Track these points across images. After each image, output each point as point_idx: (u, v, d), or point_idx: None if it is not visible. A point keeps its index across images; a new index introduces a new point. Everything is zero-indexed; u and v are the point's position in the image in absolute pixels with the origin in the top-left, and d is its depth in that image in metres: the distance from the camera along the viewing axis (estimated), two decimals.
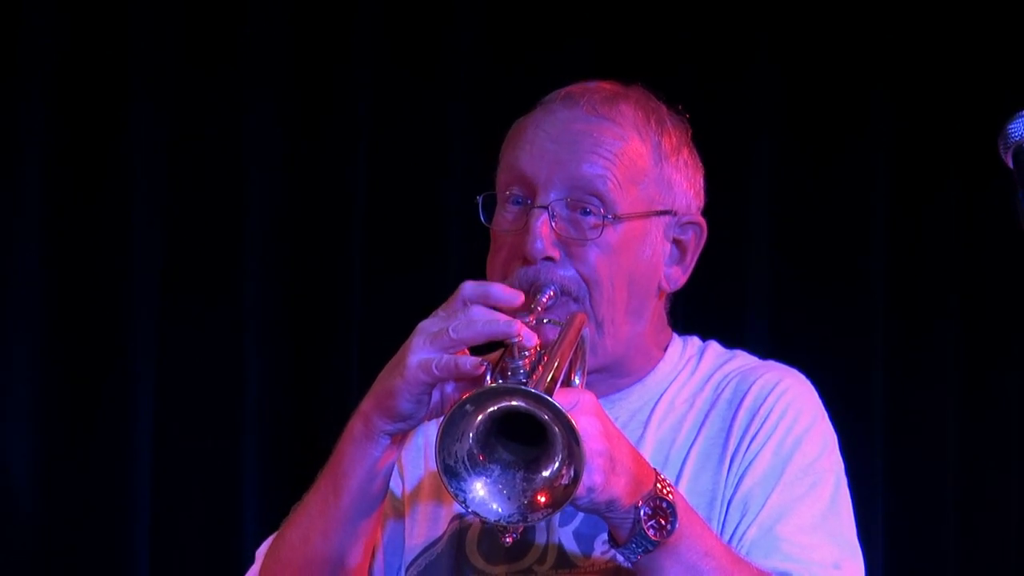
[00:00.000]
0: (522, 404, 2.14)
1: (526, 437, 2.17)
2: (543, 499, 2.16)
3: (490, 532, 2.49)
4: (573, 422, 2.11)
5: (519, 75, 4.10)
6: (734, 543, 2.44)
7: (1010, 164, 2.09)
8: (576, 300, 2.49)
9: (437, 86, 4.15)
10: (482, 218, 2.57)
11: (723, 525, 2.46)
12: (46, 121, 3.96)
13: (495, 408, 2.16)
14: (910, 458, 4.31)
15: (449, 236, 4.09)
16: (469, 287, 2.35)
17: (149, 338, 3.99)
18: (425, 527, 2.57)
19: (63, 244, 3.97)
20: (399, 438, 2.37)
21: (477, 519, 2.43)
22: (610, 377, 2.56)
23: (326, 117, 4.10)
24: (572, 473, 2.13)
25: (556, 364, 2.25)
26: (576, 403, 2.21)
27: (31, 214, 3.95)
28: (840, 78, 4.30)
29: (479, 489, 2.17)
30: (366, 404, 2.37)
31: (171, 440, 3.98)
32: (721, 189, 4.15)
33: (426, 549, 2.56)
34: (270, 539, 2.56)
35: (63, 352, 3.96)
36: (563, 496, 2.14)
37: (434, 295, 3.99)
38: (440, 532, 2.55)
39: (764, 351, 4.15)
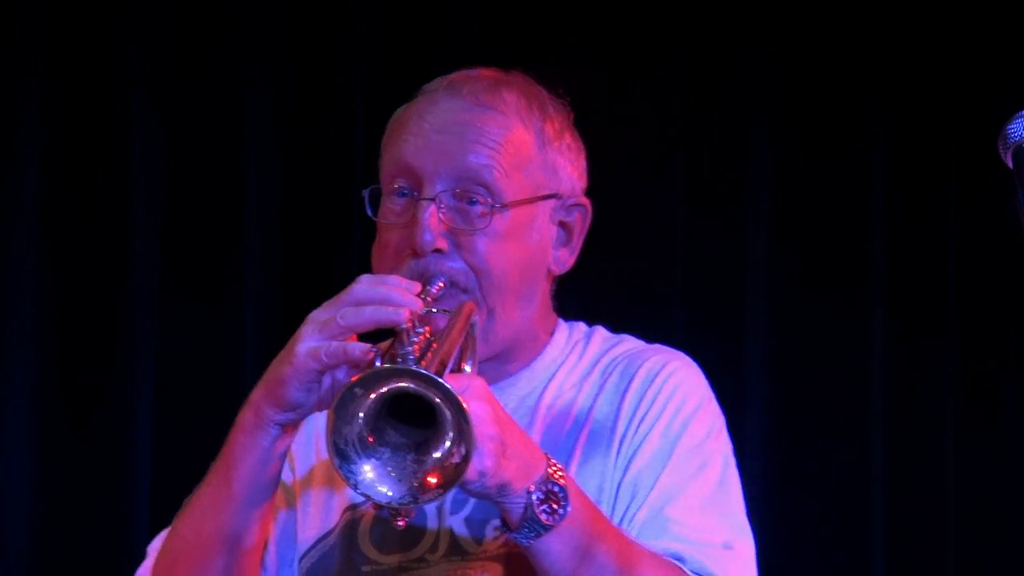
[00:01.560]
0: (412, 385, 2.16)
1: (416, 419, 2.19)
2: (434, 480, 2.17)
3: (383, 522, 2.51)
4: (462, 401, 2.13)
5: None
6: (625, 526, 2.46)
7: (1010, 164, 2.09)
8: (466, 291, 2.50)
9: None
10: (368, 212, 2.58)
11: (614, 508, 2.48)
12: (42, 118, 3.95)
13: (385, 390, 2.17)
14: (910, 457, 4.32)
15: None
16: (365, 279, 2.36)
17: (149, 338, 3.98)
18: (318, 519, 2.57)
19: (62, 243, 3.96)
20: (290, 428, 2.37)
21: (369, 509, 2.50)
22: (499, 364, 2.57)
23: (324, 117, 4.09)
24: (463, 452, 2.15)
25: (445, 349, 2.26)
26: (466, 388, 2.22)
27: (29, 213, 3.94)
28: (839, 79, 4.30)
29: (369, 471, 2.18)
30: (256, 394, 2.37)
31: (171, 440, 3.97)
32: (719, 192, 4.18)
33: (319, 541, 2.56)
34: (162, 534, 2.57)
35: (62, 352, 3.95)
36: (454, 475, 2.16)
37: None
38: (332, 524, 2.56)
39: (763, 352, 4.23)
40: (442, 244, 2.49)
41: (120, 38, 4.00)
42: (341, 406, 2.16)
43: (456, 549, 2.49)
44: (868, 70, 4.32)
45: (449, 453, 2.16)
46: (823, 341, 4.27)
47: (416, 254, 2.49)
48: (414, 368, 2.16)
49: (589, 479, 2.48)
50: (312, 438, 2.60)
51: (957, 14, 4.31)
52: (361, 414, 2.17)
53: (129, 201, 3.99)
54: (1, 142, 3.96)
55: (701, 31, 4.27)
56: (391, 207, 2.55)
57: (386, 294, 2.32)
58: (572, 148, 2.63)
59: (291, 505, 2.58)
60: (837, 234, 4.29)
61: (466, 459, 2.14)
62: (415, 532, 2.50)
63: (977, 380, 4.35)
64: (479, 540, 2.48)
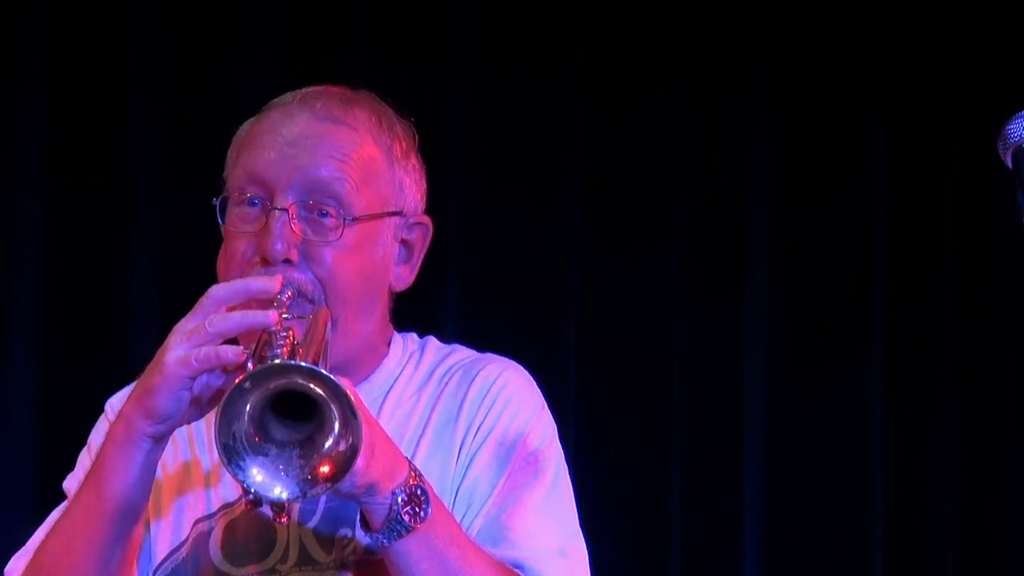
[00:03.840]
0: (299, 380, 2.19)
1: (299, 415, 2.22)
2: (325, 469, 2.21)
3: (233, 533, 2.52)
4: (349, 393, 2.19)
5: (516, 78, 4.14)
6: None
7: (1009, 164, 2.12)
8: (311, 302, 2.52)
9: (436, 86, 4.16)
10: (219, 220, 2.58)
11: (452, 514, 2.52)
12: (42, 118, 3.92)
13: (272, 386, 2.19)
14: (909, 458, 4.31)
15: (448, 237, 4.09)
16: (218, 286, 2.38)
17: (149, 339, 3.97)
18: (168, 532, 2.57)
19: (63, 243, 3.93)
20: (160, 440, 2.37)
21: (219, 521, 2.52)
22: (341, 375, 2.56)
23: None
24: (349, 441, 2.19)
25: (314, 351, 2.30)
26: None
27: (29, 212, 3.91)
28: (837, 80, 4.33)
29: (258, 471, 2.20)
30: (126, 407, 2.36)
31: None
32: (720, 197, 4.18)
33: (170, 555, 2.55)
34: (18, 553, 2.54)
35: (62, 351, 3.91)
36: (345, 464, 2.20)
37: (434, 295, 4.05)
38: (183, 537, 2.55)
39: (763, 355, 4.22)
40: (293, 255, 2.51)
41: (120, 38, 4.00)
42: (229, 404, 2.18)
43: (307, 559, 2.51)
44: (867, 68, 4.33)
45: (336, 443, 2.20)
46: (823, 343, 4.28)
47: (265, 263, 2.51)
48: (301, 363, 2.20)
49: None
50: (163, 453, 2.55)
51: (956, 15, 4.31)
52: (247, 412, 2.20)
53: (130, 201, 3.98)
54: (1, 142, 3.94)
55: (700, 40, 4.29)
56: (240, 215, 2.56)
57: (242, 285, 2.37)
58: (417, 168, 2.67)
59: (145, 521, 2.55)
60: (838, 241, 4.31)
61: (354, 448, 2.19)
62: (266, 543, 2.51)
63: (977, 381, 4.35)
64: (329, 549, 2.50)
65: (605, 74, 4.29)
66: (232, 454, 2.19)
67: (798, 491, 4.31)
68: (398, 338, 2.70)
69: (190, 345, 2.31)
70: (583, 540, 2.58)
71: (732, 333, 4.34)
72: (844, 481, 4.35)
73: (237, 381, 2.19)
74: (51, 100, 3.98)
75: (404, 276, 2.66)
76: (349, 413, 2.18)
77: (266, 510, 2.34)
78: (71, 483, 2.64)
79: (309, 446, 2.21)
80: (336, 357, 2.52)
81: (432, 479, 2.48)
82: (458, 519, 2.49)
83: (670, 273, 4.30)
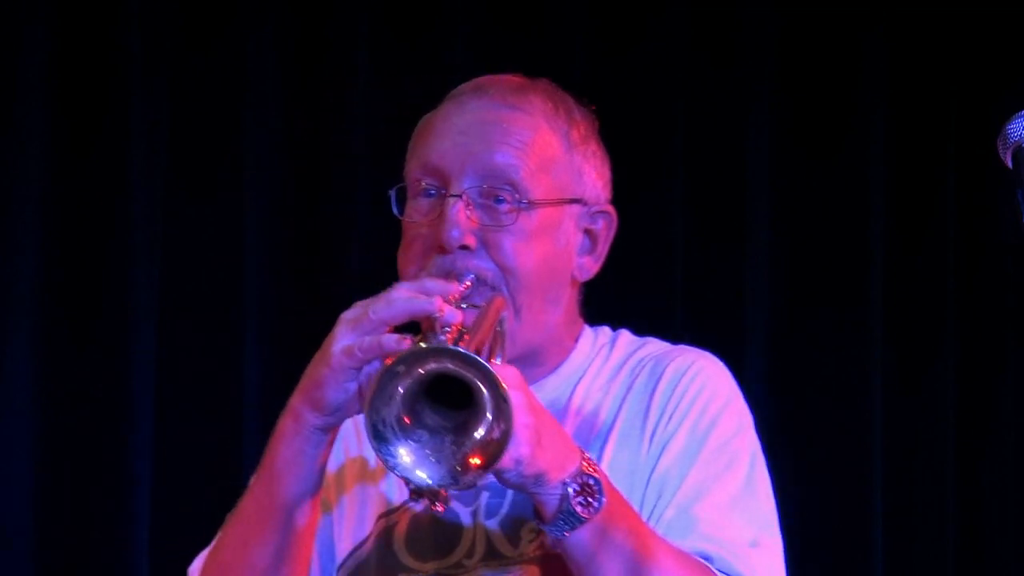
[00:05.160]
0: (451, 365, 2.15)
1: (453, 402, 2.18)
2: (475, 460, 2.17)
3: (418, 528, 2.49)
4: (500, 380, 2.13)
5: (519, 71, 4.10)
6: (652, 524, 2.44)
7: (1009, 164, 2.09)
8: (493, 289, 2.48)
9: (439, 87, 4.13)
10: (395, 211, 2.56)
11: (642, 505, 2.47)
12: (43, 109, 3.94)
13: (424, 370, 2.16)
14: (909, 457, 4.31)
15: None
16: (403, 284, 2.35)
17: (149, 339, 3.98)
18: (352, 528, 2.55)
19: (63, 243, 3.95)
20: (328, 432, 2.35)
21: (404, 515, 2.49)
22: (525, 367, 2.52)
23: (325, 122, 4.09)
24: (502, 428, 2.14)
25: (478, 339, 2.25)
26: (501, 375, 2.21)
27: (31, 209, 3.93)
28: (838, 71, 4.30)
29: (407, 454, 2.17)
30: (294, 399, 2.35)
31: (171, 441, 3.97)
32: (721, 188, 4.17)
33: (354, 550, 2.54)
34: (202, 555, 2.55)
35: (62, 351, 3.93)
36: (495, 453, 2.15)
37: None
38: (366, 532, 2.54)
39: (763, 348, 4.21)
40: (470, 240, 2.47)
41: (122, 10, 4.00)
42: (380, 387, 2.15)
43: (493, 553, 2.48)
44: (868, 66, 4.30)
45: (489, 432, 2.16)
46: (823, 339, 4.27)
47: (442, 251, 2.48)
48: (453, 348, 2.15)
49: (621, 478, 2.46)
50: (340, 445, 2.56)
51: (957, 10, 4.27)
52: (399, 395, 2.16)
53: (130, 201, 3.98)
54: (3, 127, 3.95)
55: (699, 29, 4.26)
56: (417, 207, 2.54)
57: (417, 285, 2.32)
58: (597, 155, 2.62)
59: (327, 511, 2.56)
60: (837, 233, 4.30)
61: (506, 436, 2.14)
62: (451, 538, 2.49)
63: (976, 378, 4.34)
64: (515, 543, 2.47)
65: (605, 23, 4.26)
66: (380, 437, 2.16)
67: (799, 445, 4.30)
68: (588, 332, 2.66)
69: (355, 335, 2.28)
70: (779, 533, 2.50)
71: (732, 285, 4.32)
72: (844, 438, 4.34)
73: (388, 363, 2.15)
74: (52, 86, 3.97)
75: (588, 267, 2.61)
76: (501, 400, 2.13)
77: (417, 506, 2.34)
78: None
79: (462, 433, 2.17)
80: (519, 347, 2.50)
81: (621, 471, 2.46)
82: (648, 510, 2.45)
83: (670, 224, 4.28)
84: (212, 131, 4.03)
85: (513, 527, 2.47)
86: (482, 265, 2.48)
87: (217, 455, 3.97)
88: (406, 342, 2.23)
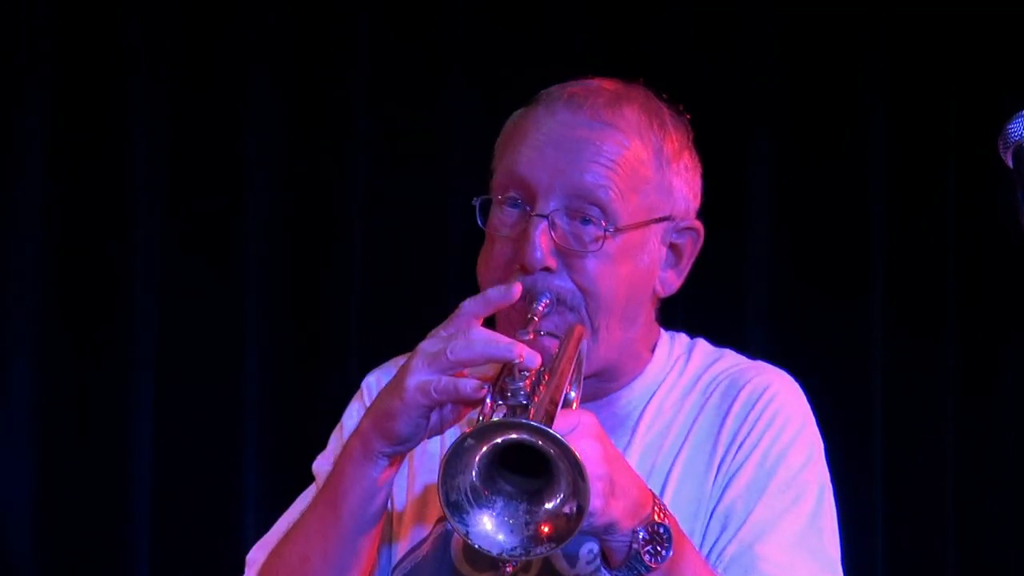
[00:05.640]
0: (525, 437, 2.12)
1: (529, 467, 2.15)
2: (547, 530, 2.15)
3: None
4: (579, 457, 2.09)
5: (519, 71, 4.10)
6: (713, 557, 2.43)
7: (1010, 164, 2.08)
8: (571, 309, 2.46)
9: (438, 85, 4.14)
10: (479, 222, 2.53)
11: (704, 536, 2.45)
12: (43, 113, 3.96)
13: (498, 441, 2.14)
14: (909, 456, 4.31)
15: (449, 236, 4.07)
16: (468, 303, 2.33)
17: (149, 340, 3.98)
18: (411, 527, 2.55)
19: (63, 244, 3.97)
20: (397, 459, 2.36)
21: None
22: (599, 382, 2.54)
23: (325, 122, 4.09)
24: (576, 506, 2.12)
25: (555, 384, 2.22)
26: (576, 426, 2.19)
27: (31, 214, 3.95)
28: (838, 68, 4.29)
29: (482, 523, 2.16)
30: (364, 424, 2.35)
31: (171, 442, 3.97)
32: (719, 187, 4.16)
33: (411, 551, 2.54)
34: (258, 546, 2.56)
35: (62, 352, 3.96)
36: (567, 530, 2.13)
37: (434, 295, 4.04)
38: (425, 533, 2.54)
39: (764, 345, 4.21)
40: (551, 263, 2.45)
41: (122, 10, 4.00)
42: (453, 458, 2.13)
43: (549, 570, 2.46)
44: (868, 66, 4.29)
45: (562, 506, 2.14)
46: (823, 335, 4.26)
47: (524, 270, 2.46)
48: (528, 422, 2.12)
49: (685, 504, 2.45)
50: (407, 464, 2.56)
51: (957, 10, 4.26)
52: (473, 465, 2.15)
53: (131, 202, 4.00)
54: (3, 132, 3.96)
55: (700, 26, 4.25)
56: (502, 218, 2.51)
57: (482, 300, 2.31)
58: (689, 168, 2.59)
59: (389, 508, 2.55)
60: (837, 229, 4.28)
61: (579, 514, 2.11)
62: None
63: (979, 375, 4.33)
64: (573, 563, 2.46)
65: (605, 23, 4.25)
66: (455, 507, 2.15)
67: None
68: (664, 340, 2.62)
69: (431, 372, 2.26)
70: (840, 570, 2.49)
71: (733, 286, 4.32)
72: (845, 438, 4.33)
73: (461, 436, 2.13)
74: (53, 89, 3.97)
75: (671, 281, 2.58)
76: (578, 476, 2.10)
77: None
78: (321, 464, 2.62)
79: (537, 500, 2.16)
80: (594, 365, 2.48)
81: (688, 496, 2.45)
82: (711, 541, 2.43)
83: None
84: (212, 131, 4.03)
85: (573, 545, 2.44)
86: (563, 286, 2.45)
87: (216, 458, 3.97)
88: (483, 391, 2.22)
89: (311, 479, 2.65)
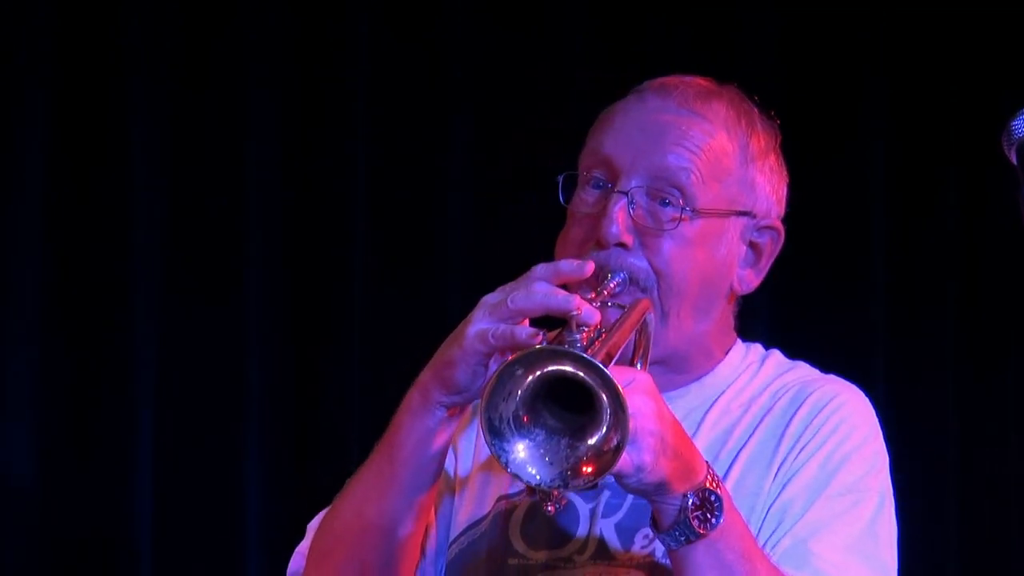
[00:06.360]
0: (571, 368, 2.12)
1: (575, 404, 2.15)
2: (588, 468, 2.13)
3: (535, 516, 2.47)
4: (620, 389, 2.09)
5: (519, 71, 4.11)
6: (766, 550, 2.41)
7: (1014, 160, 2.08)
8: (644, 290, 2.46)
9: (438, 85, 4.14)
10: (560, 198, 2.54)
11: (760, 530, 2.44)
12: (44, 113, 3.95)
13: (545, 371, 2.13)
14: (910, 456, 4.30)
15: (450, 236, 4.08)
16: (540, 266, 2.32)
17: (150, 341, 3.97)
18: (471, 504, 2.54)
19: (64, 246, 3.95)
20: (455, 411, 2.35)
21: (523, 501, 2.47)
22: (667, 372, 2.53)
23: (325, 122, 4.08)
24: (618, 439, 2.11)
25: (613, 341, 2.22)
26: (632, 380, 2.19)
27: (32, 214, 3.93)
28: (838, 68, 4.29)
29: (521, 451, 2.15)
30: (424, 375, 2.34)
31: (171, 443, 3.97)
32: None
33: (470, 527, 2.52)
34: (321, 514, 2.52)
35: (64, 356, 3.94)
36: (608, 463, 2.11)
37: (435, 296, 4.05)
38: (485, 511, 2.52)
39: (764, 338, 4.20)
40: (627, 239, 2.46)
41: (122, 10, 3.99)
42: (499, 383, 2.13)
43: (603, 553, 2.45)
44: (868, 60, 4.30)
45: (605, 440, 2.12)
46: (823, 331, 4.25)
47: (599, 245, 2.47)
48: (574, 351, 2.13)
49: (743, 499, 2.43)
50: (475, 427, 2.55)
51: (957, 9, 4.26)
52: (519, 393, 2.14)
53: (132, 202, 3.98)
54: (3, 133, 3.95)
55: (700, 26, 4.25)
56: (584, 197, 2.53)
57: (552, 268, 2.30)
58: (775, 170, 2.61)
59: (452, 492, 2.55)
60: (838, 226, 4.28)
61: (619, 448, 2.10)
62: (566, 531, 2.47)
63: (979, 372, 4.33)
64: (627, 547, 2.45)
65: (605, 23, 4.25)
66: (495, 432, 2.13)
67: None
68: (740, 347, 2.63)
69: (491, 320, 2.27)
70: None
71: None
72: None
73: (508, 360, 2.14)
74: (53, 91, 3.97)
75: (748, 280, 2.58)
76: (620, 410, 2.09)
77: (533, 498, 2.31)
78: None
79: (578, 437, 2.14)
80: (661, 351, 2.48)
81: (748, 490, 2.44)
82: (765, 536, 2.41)
83: None
84: (212, 131, 4.03)
85: (628, 531, 2.45)
86: (636, 264, 2.46)
87: (217, 458, 3.97)
88: (538, 338, 2.22)
89: (312, 478, 2.65)
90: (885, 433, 4.21)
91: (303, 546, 2.52)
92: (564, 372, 2.12)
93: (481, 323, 2.28)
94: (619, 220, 2.45)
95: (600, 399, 2.11)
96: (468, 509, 2.53)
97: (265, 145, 4.05)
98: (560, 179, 2.54)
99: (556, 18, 4.19)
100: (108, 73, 3.98)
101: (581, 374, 2.11)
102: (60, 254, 3.96)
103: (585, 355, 2.11)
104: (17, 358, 3.93)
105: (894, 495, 4.11)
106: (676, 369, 2.55)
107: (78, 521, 3.92)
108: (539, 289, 2.28)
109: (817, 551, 2.40)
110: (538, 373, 2.13)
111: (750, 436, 2.50)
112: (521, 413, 2.15)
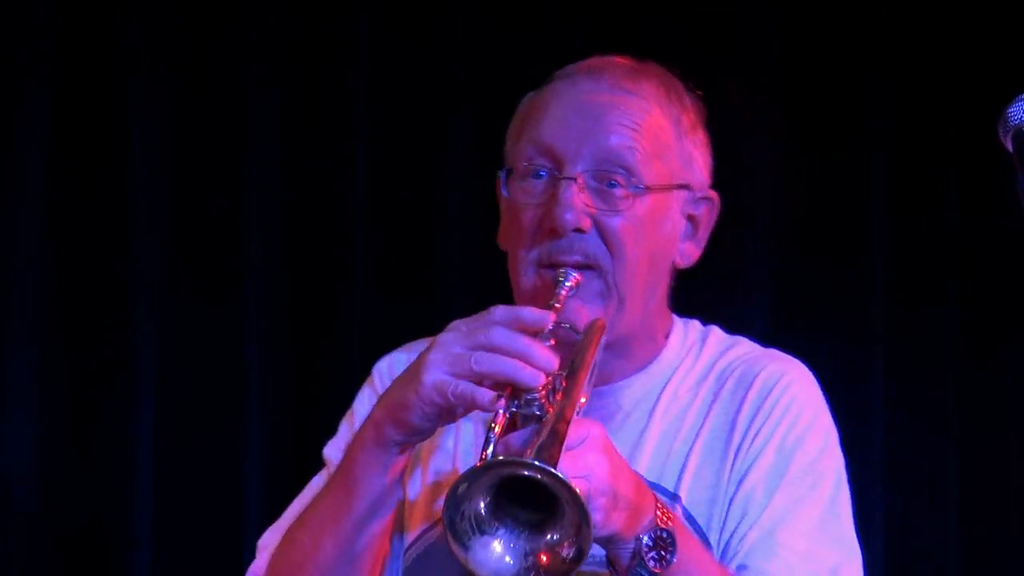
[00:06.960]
0: (536, 476, 2.12)
1: (535, 497, 2.15)
2: (545, 561, 2.15)
3: None
4: (587, 507, 2.10)
5: (519, 71, 4.07)
6: (734, 544, 2.44)
7: (1010, 148, 2.08)
8: (600, 274, 2.46)
9: (438, 85, 4.14)
10: (504, 192, 2.54)
11: (724, 522, 2.46)
12: (44, 113, 3.94)
13: (506, 473, 2.14)
14: (911, 449, 4.30)
15: (450, 235, 4.07)
16: (500, 311, 2.32)
17: (150, 342, 3.97)
18: (423, 509, 2.55)
19: (64, 246, 3.95)
20: (409, 447, 2.37)
21: None
22: (616, 359, 2.53)
23: (325, 122, 4.08)
24: (575, 550, 2.13)
25: (571, 398, 2.23)
26: (585, 438, 2.20)
27: (32, 215, 3.93)
28: (839, 68, 4.28)
29: (483, 549, 2.17)
30: (378, 412, 2.36)
31: (171, 443, 3.97)
32: (718, 187, 4.16)
33: (423, 533, 2.54)
34: (270, 531, 2.55)
35: (64, 356, 3.94)
36: (563, 569, 2.14)
37: (434, 296, 4.04)
38: (438, 515, 2.50)
39: (764, 337, 4.20)
40: (584, 223, 2.46)
41: (121, 22, 3.99)
42: (461, 484, 2.14)
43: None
44: (868, 59, 4.29)
45: (561, 543, 2.15)
46: (824, 328, 4.25)
47: (554, 233, 2.46)
48: (539, 464, 2.10)
49: (703, 492, 2.46)
50: (424, 445, 2.54)
51: (958, 8, 4.26)
52: (480, 493, 2.15)
53: (132, 204, 3.98)
54: (3, 133, 3.95)
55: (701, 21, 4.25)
56: (526, 188, 2.52)
57: (525, 350, 2.27)
58: (704, 143, 2.61)
59: (406, 528, 2.56)
60: (838, 222, 4.27)
61: (578, 557, 2.12)
62: None
63: (979, 367, 4.32)
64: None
65: (605, 23, 4.25)
66: (457, 533, 2.15)
67: None
68: (679, 326, 2.63)
69: (450, 373, 2.27)
70: (859, 553, 2.49)
71: (733, 286, 4.31)
72: (844, 438, 4.33)
73: (472, 468, 2.14)
74: (53, 91, 3.96)
75: (689, 253, 2.60)
76: (583, 523, 2.11)
77: None
78: (331, 451, 2.62)
79: (538, 532, 2.16)
80: (615, 335, 2.48)
81: (705, 485, 2.45)
82: (731, 528, 2.43)
83: None
84: (213, 131, 4.03)
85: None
86: (594, 248, 2.46)
87: (217, 459, 3.97)
88: (501, 402, 2.23)
89: (312, 473, 2.66)
90: (884, 434, 4.24)
91: (257, 566, 2.53)
92: (519, 474, 2.13)
93: (440, 372, 2.28)
94: (574, 205, 2.45)
95: (562, 506, 2.12)
96: (420, 514, 2.55)
97: (265, 145, 4.05)
98: (503, 173, 2.54)
99: (556, 18, 4.18)
100: (108, 73, 3.98)
101: (546, 480, 2.11)
102: (60, 254, 3.95)
103: (550, 469, 2.10)
104: (17, 358, 3.93)
105: (890, 492, 4.14)
106: (622, 354, 2.55)
107: (79, 521, 3.92)
108: (505, 348, 2.26)
109: (783, 541, 2.43)
110: (499, 475, 2.14)
111: (702, 423, 2.51)
112: (483, 513, 2.16)
